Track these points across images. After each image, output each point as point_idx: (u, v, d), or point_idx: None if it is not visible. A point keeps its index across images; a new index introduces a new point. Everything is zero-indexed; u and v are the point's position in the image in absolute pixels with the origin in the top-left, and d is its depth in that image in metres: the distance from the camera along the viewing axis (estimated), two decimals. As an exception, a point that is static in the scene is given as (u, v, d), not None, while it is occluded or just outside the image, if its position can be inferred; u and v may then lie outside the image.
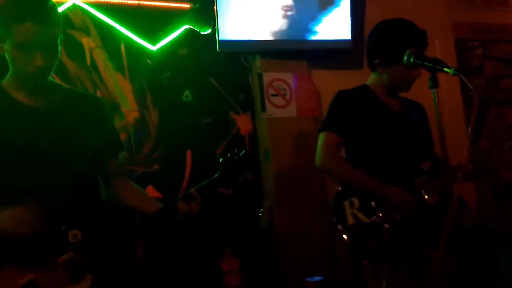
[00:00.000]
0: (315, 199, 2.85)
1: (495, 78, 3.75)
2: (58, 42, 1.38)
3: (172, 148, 2.72)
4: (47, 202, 1.31)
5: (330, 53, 3.07)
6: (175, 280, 2.50)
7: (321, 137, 1.79)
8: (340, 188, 1.75)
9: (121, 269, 1.47)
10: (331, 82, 3.11)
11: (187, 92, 2.82)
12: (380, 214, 1.63)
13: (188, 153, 2.77)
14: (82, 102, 1.52)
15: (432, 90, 1.43)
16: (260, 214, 2.84)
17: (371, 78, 1.89)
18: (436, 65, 1.44)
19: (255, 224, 2.80)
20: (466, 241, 1.80)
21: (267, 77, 2.92)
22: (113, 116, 2.54)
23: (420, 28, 1.75)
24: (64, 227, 1.31)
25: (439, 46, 3.37)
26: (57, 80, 1.62)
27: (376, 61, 1.80)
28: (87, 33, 2.57)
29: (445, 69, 1.40)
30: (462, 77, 1.31)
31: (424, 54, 1.58)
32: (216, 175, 1.50)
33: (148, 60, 2.71)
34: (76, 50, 2.53)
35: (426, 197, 1.66)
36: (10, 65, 1.39)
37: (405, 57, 1.59)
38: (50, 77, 1.44)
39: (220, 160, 1.50)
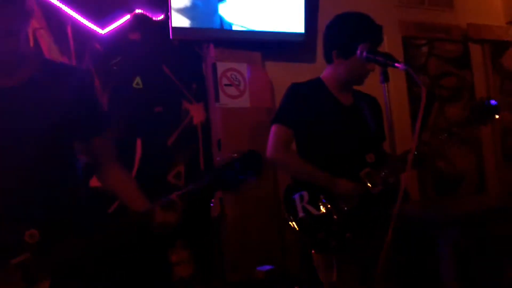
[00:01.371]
0: (266, 190, 2.87)
1: (438, 76, 3.94)
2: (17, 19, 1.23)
3: (122, 136, 2.64)
4: (9, 189, 1.21)
5: (283, 45, 3.09)
6: (125, 272, 2.44)
7: (273, 129, 1.81)
8: (290, 183, 1.78)
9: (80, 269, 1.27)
10: (284, 75, 3.14)
11: (137, 79, 2.73)
12: (329, 206, 1.68)
13: (138, 142, 2.70)
14: (64, 75, 1.37)
15: (383, 84, 1.48)
16: (211, 205, 2.83)
17: (326, 71, 1.93)
18: (387, 60, 1.49)
19: (206, 215, 2.79)
20: (409, 232, 1.89)
21: (221, 66, 2.89)
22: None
23: (376, 23, 1.80)
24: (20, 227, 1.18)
25: (387, 43, 3.48)
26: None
27: (333, 53, 1.83)
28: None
29: (396, 65, 1.44)
30: (411, 72, 1.36)
31: (376, 49, 1.63)
32: (206, 181, 1.27)
33: (97, 45, 2.60)
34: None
35: (369, 185, 1.72)
36: None
37: (358, 51, 1.63)
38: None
39: (223, 159, 1.28)
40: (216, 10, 2.77)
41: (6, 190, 1.24)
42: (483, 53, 4.21)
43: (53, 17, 2.49)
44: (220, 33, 2.81)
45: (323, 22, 3.31)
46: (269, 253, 2.78)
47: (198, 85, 2.92)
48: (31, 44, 2.42)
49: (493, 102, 1.81)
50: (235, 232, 2.77)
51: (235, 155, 1.29)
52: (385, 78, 1.48)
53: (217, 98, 2.86)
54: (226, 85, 2.90)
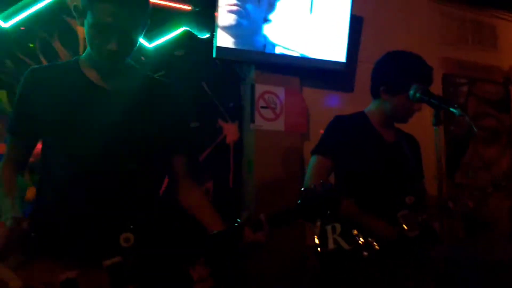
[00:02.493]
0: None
1: (477, 116, 3.87)
2: (139, 29, 1.30)
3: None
4: (102, 195, 1.23)
5: (323, 72, 3.10)
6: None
7: (313, 159, 1.81)
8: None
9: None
10: (321, 102, 3.15)
11: (177, 94, 2.78)
12: (361, 242, 1.65)
13: (172, 156, 2.73)
14: (156, 89, 1.41)
15: (435, 128, 1.45)
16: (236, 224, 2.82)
17: (371, 106, 1.92)
18: (442, 104, 1.47)
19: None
20: (440, 274, 1.84)
21: (259, 88, 2.92)
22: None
23: (429, 65, 1.79)
24: (131, 226, 1.18)
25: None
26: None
27: (381, 88, 1.82)
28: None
29: (451, 109, 1.42)
30: (468, 118, 1.34)
31: (430, 91, 1.62)
32: (297, 205, 1.25)
33: (142, 57, 2.67)
34: (71, 39, 2.47)
35: (406, 229, 1.68)
36: (87, 42, 1.31)
37: (411, 91, 1.62)
38: (128, 60, 1.37)
39: (302, 189, 1.27)
40: (260, 30, 2.81)
41: (106, 191, 1.26)
42: (524, 97, 4.12)
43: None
44: (261, 56, 2.85)
45: (363, 53, 3.35)
46: (291, 278, 2.74)
47: (234, 105, 2.95)
48: (80, 52, 2.51)
49: None
50: (259, 254, 2.74)
51: (318, 186, 1.28)
52: (438, 121, 1.46)
53: (252, 119, 2.88)
54: (262, 107, 2.92)
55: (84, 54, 1.37)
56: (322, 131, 1.93)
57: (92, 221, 1.25)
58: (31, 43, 2.45)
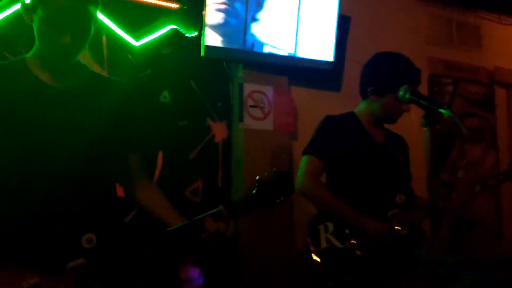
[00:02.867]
0: (282, 214, 2.85)
1: (461, 115, 3.92)
2: (91, 24, 1.28)
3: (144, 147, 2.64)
4: (60, 197, 1.21)
5: (311, 72, 3.10)
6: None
7: (304, 160, 1.80)
8: (316, 212, 1.76)
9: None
10: (309, 101, 3.16)
11: (165, 93, 2.76)
12: (353, 241, 1.65)
13: (160, 155, 2.70)
14: (107, 87, 1.39)
15: (425, 128, 1.46)
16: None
17: (360, 106, 1.93)
18: (431, 105, 1.48)
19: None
20: (428, 274, 1.85)
21: (248, 88, 2.91)
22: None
23: (416, 66, 1.81)
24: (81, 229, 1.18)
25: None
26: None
27: (369, 89, 1.83)
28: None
29: (440, 110, 1.43)
30: (457, 120, 1.35)
31: (419, 92, 1.63)
32: (253, 194, 1.29)
33: (130, 56, 2.64)
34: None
35: (397, 228, 1.69)
36: (36, 39, 1.27)
37: (401, 92, 1.63)
38: (77, 58, 1.33)
39: (257, 178, 1.31)
40: (249, 29, 2.80)
41: (65, 193, 1.24)
42: (508, 97, 4.19)
43: (91, 25, 2.53)
44: (250, 55, 2.84)
45: (351, 52, 3.37)
46: (282, 279, 2.73)
47: (223, 103, 2.94)
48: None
49: None
50: (247, 253, 2.73)
51: (271, 174, 1.33)
52: (428, 122, 1.47)
53: (241, 118, 2.87)
54: (251, 106, 2.91)
55: (30, 52, 1.33)
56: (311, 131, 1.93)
57: (51, 224, 1.21)
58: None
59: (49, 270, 1.15)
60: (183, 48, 2.78)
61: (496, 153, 4.00)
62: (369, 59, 1.90)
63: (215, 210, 1.27)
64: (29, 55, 1.32)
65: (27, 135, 1.23)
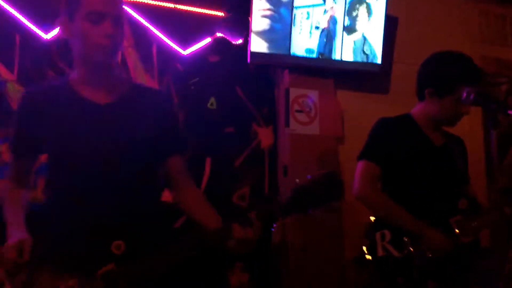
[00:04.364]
0: (329, 220, 2.81)
1: (518, 116, 3.72)
2: (123, 18, 1.35)
3: (192, 154, 2.70)
4: (97, 206, 1.27)
5: (357, 75, 3.05)
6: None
7: (361, 165, 1.76)
8: (373, 219, 1.72)
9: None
10: (356, 104, 3.10)
11: (212, 100, 2.80)
12: (412, 250, 1.60)
13: (207, 161, 2.74)
14: (146, 97, 1.45)
15: (492, 130, 1.40)
16: (272, 230, 2.80)
17: (416, 108, 1.87)
18: (499, 107, 1.42)
19: (267, 239, 2.77)
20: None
21: (293, 92, 2.90)
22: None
23: (477, 65, 1.73)
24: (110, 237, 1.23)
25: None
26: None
27: (427, 91, 1.77)
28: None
29: (509, 112, 1.36)
30: (524, 122, 1.28)
31: (485, 94, 1.56)
32: (287, 199, 1.23)
33: (178, 64, 2.70)
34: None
35: (459, 234, 1.62)
36: (77, 56, 1.36)
37: (465, 94, 1.56)
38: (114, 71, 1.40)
39: (296, 181, 1.24)
40: (293, 36, 2.79)
41: (96, 201, 1.28)
42: None
43: (141, 36, 2.62)
44: (295, 60, 2.83)
45: (399, 54, 3.28)
46: (328, 285, 2.70)
47: (269, 109, 2.94)
48: (119, 61, 2.55)
49: None
50: (295, 260, 2.72)
51: (315, 177, 1.24)
52: (495, 124, 1.40)
53: (287, 123, 2.87)
54: (297, 111, 2.90)
55: (74, 73, 1.40)
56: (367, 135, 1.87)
57: (90, 231, 1.27)
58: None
59: (84, 274, 1.21)
60: (230, 56, 2.81)
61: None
62: (427, 58, 1.83)
63: (246, 216, 1.22)
64: (71, 76, 1.41)
65: (75, 148, 1.31)
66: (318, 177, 1.24)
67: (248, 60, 2.70)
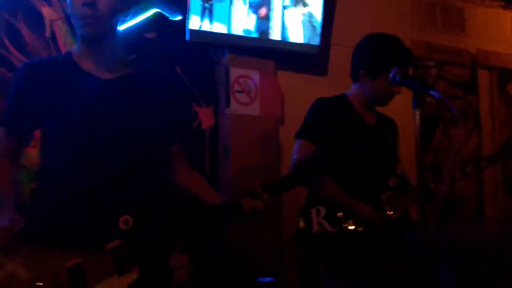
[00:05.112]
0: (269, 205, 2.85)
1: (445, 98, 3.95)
2: None
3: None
4: (103, 178, 1.24)
5: (297, 56, 3.08)
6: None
7: (297, 143, 1.79)
8: (307, 196, 1.76)
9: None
10: (296, 85, 3.14)
11: (150, 78, 2.70)
12: (345, 225, 1.66)
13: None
14: (153, 79, 1.44)
15: (415, 110, 1.47)
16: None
17: (352, 89, 1.92)
18: (422, 87, 1.49)
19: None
20: (413, 256, 1.89)
21: (234, 72, 2.88)
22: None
23: (407, 48, 1.80)
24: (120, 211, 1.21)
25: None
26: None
27: (360, 72, 1.82)
28: (49, 3, 2.39)
29: (431, 92, 1.44)
30: (447, 101, 1.36)
31: (410, 74, 1.63)
32: (288, 174, 1.34)
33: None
34: (35, 20, 2.34)
35: (389, 212, 1.71)
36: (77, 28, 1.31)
37: (391, 75, 1.62)
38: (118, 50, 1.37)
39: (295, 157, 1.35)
40: (233, 15, 2.75)
41: (105, 177, 1.26)
42: (491, 80, 4.24)
43: (71, 9, 2.45)
44: (235, 39, 2.80)
45: (336, 36, 3.35)
46: (268, 263, 2.75)
47: (209, 89, 2.90)
48: (47, 34, 2.39)
49: None
50: (235, 240, 2.73)
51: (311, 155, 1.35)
52: (418, 104, 1.48)
53: (227, 104, 2.85)
54: (237, 91, 2.89)
55: (75, 47, 1.39)
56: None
57: (93, 207, 1.26)
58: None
59: (90, 251, 1.19)
60: (168, 33, 2.72)
61: (479, 134, 4.06)
62: (360, 41, 1.89)
63: (253, 188, 1.28)
64: (74, 49, 1.37)
65: (76, 123, 1.27)
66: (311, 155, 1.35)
67: (187, 38, 2.63)
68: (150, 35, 2.70)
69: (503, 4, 4.29)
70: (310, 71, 3.21)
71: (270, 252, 2.80)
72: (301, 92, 3.06)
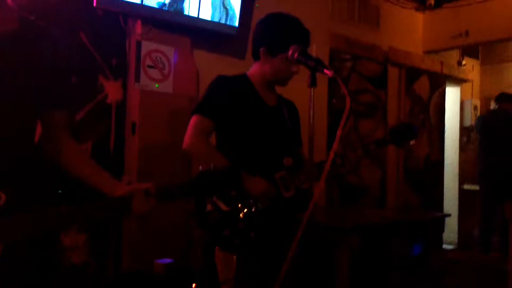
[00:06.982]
0: (177, 179, 2.77)
1: (356, 91, 4.13)
2: None
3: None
4: None
5: (214, 35, 3.02)
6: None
7: (193, 119, 1.74)
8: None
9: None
10: (212, 65, 3.08)
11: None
12: (238, 203, 1.65)
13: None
14: (37, 33, 1.26)
15: (310, 88, 1.48)
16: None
17: (252, 68, 1.90)
18: (317, 65, 1.50)
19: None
20: (312, 237, 1.93)
21: (146, 46, 2.74)
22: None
23: (305, 27, 1.82)
24: None
25: (315, 51, 3.58)
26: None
27: (261, 49, 1.80)
28: None
29: (325, 71, 1.45)
30: (339, 80, 1.38)
31: (307, 53, 1.63)
32: (188, 183, 1.28)
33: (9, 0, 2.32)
34: None
35: (282, 189, 1.73)
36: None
37: (290, 52, 1.62)
38: None
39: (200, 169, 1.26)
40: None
41: None
42: (399, 77, 4.51)
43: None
44: (150, 11, 2.66)
45: (257, 20, 3.33)
46: (173, 245, 2.69)
47: (118, 61, 2.74)
48: None
49: (415, 128, 1.93)
50: (137, 219, 2.63)
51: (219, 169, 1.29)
52: (313, 82, 1.49)
53: (137, 79, 2.71)
54: (149, 66, 2.76)
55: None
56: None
57: None
58: None
59: None
60: (73, -4, 2.51)
61: (385, 127, 4.31)
62: (261, 18, 1.88)
63: (146, 189, 1.23)
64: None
65: None
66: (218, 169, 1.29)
67: (94, 4, 2.45)
68: (53, -4, 2.47)
69: (416, 6, 4.56)
70: (228, 53, 3.17)
71: (178, 233, 2.74)
72: (218, 73, 3.00)
